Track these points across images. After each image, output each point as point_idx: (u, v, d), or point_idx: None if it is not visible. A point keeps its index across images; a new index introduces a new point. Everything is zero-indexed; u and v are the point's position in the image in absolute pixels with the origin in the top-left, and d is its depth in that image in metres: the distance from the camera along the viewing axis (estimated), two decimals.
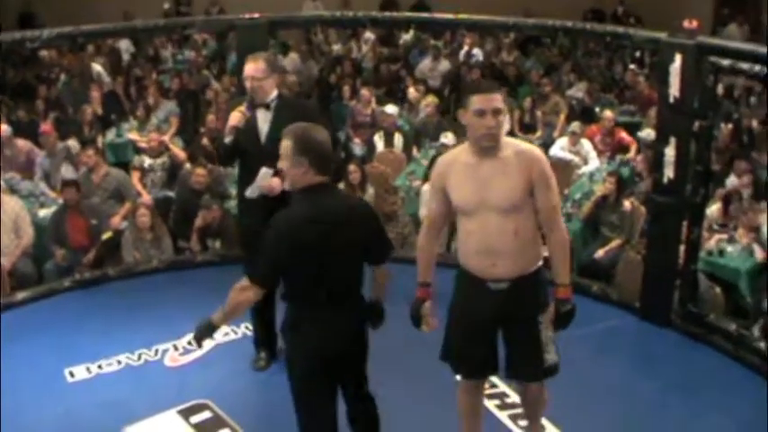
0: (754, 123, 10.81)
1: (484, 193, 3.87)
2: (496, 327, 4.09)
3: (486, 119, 3.79)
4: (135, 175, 8.93)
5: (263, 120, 5.11)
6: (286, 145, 3.75)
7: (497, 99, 3.84)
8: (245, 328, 5.91)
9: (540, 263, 4.05)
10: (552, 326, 4.03)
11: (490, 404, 5.06)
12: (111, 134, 10.66)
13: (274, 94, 5.13)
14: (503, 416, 5.04)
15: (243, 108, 5.06)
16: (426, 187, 8.28)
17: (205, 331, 3.92)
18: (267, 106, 5.10)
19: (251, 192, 5.00)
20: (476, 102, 3.82)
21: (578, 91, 12.47)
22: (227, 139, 5.10)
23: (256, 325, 5.57)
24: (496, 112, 3.80)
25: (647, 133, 9.06)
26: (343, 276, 3.83)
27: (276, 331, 5.25)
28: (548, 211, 3.94)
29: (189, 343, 5.76)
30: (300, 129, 3.81)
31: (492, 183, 3.86)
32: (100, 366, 5.55)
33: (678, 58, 5.53)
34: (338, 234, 3.73)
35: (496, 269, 3.93)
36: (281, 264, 3.73)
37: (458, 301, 4.14)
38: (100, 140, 10.19)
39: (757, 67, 5.28)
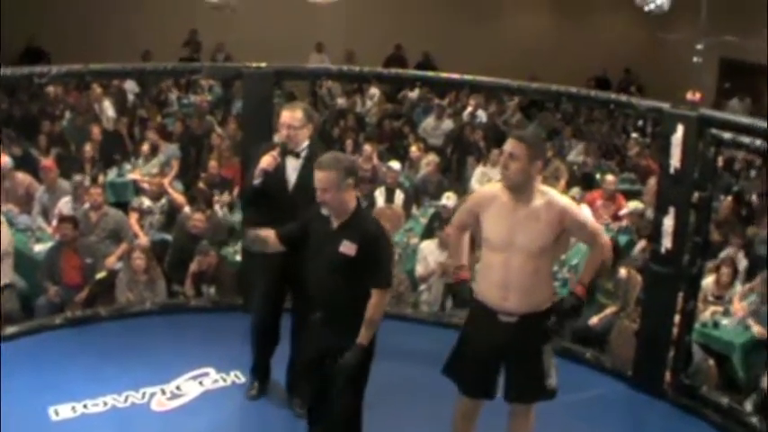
0: (754, 197, 10.86)
1: (514, 234, 4.24)
2: (501, 355, 4.39)
3: (502, 159, 4.29)
4: (133, 216, 8.95)
5: (293, 168, 5.20)
6: (330, 176, 4.23)
7: (514, 145, 4.23)
8: (234, 376, 5.86)
9: (550, 303, 4.38)
10: (553, 307, 4.38)
11: None
12: (112, 174, 10.69)
13: (306, 143, 5.21)
14: None
15: (275, 153, 5.11)
16: (424, 245, 8.30)
17: (357, 360, 4.31)
18: (297, 155, 5.18)
19: (249, 242, 4.96)
20: (505, 143, 4.31)
21: (578, 154, 12.53)
22: (256, 181, 5.15)
23: (261, 351, 5.53)
24: (510, 156, 4.21)
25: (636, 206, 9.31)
26: None
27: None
28: (589, 241, 4.48)
29: (177, 388, 5.73)
30: (335, 157, 4.38)
31: (523, 227, 4.24)
32: (85, 406, 5.48)
33: (680, 129, 5.56)
34: None
35: (507, 302, 4.28)
36: None
37: (469, 328, 4.50)
38: (101, 179, 10.20)
39: (758, 142, 5.32)
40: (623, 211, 9.13)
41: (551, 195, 4.34)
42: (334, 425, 4.49)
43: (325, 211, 4.35)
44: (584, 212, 9.23)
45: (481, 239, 4.41)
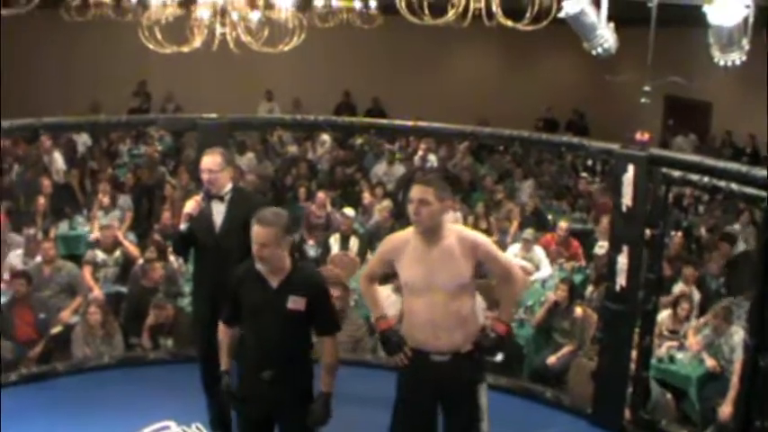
0: (703, 231, 11.07)
1: (432, 275, 4.28)
2: (438, 397, 4.42)
3: (412, 206, 4.26)
4: (87, 270, 8.85)
5: (218, 212, 5.26)
6: (270, 233, 4.13)
7: (423, 191, 4.27)
8: (195, 429, 5.79)
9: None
10: (474, 346, 4.40)
11: None
12: (63, 226, 10.58)
13: (229, 186, 5.29)
14: None
15: (198, 197, 5.22)
16: (380, 290, 8.29)
17: (328, 408, 4.35)
18: (222, 198, 5.25)
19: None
20: (411, 191, 4.32)
21: (530, 197, 12.66)
22: (182, 226, 5.26)
23: (215, 400, 5.38)
24: (421, 201, 4.24)
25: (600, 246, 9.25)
26: None
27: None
28: (503, 275, 4.51)
29: None
30: (275, 213, 4.24)
31: (440, 266, 4.28)
32: None
33: (631, 169, 5.67)
34: None
35: (439, 341, 4.32)
36: None
37: (403, 377, 4.48)
38: (52, 232, 10.10)
39: (706, 179, 5.43)
40: (600, 252, 9.06)
41: (460, 230, 4.48)
42: None
43: (260, 268, 4.26)
44: (538, 254, 9.47)
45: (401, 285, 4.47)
